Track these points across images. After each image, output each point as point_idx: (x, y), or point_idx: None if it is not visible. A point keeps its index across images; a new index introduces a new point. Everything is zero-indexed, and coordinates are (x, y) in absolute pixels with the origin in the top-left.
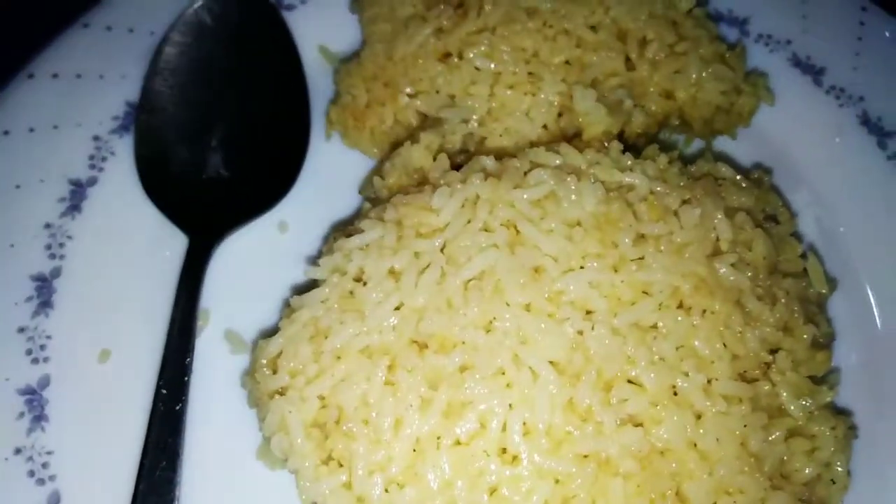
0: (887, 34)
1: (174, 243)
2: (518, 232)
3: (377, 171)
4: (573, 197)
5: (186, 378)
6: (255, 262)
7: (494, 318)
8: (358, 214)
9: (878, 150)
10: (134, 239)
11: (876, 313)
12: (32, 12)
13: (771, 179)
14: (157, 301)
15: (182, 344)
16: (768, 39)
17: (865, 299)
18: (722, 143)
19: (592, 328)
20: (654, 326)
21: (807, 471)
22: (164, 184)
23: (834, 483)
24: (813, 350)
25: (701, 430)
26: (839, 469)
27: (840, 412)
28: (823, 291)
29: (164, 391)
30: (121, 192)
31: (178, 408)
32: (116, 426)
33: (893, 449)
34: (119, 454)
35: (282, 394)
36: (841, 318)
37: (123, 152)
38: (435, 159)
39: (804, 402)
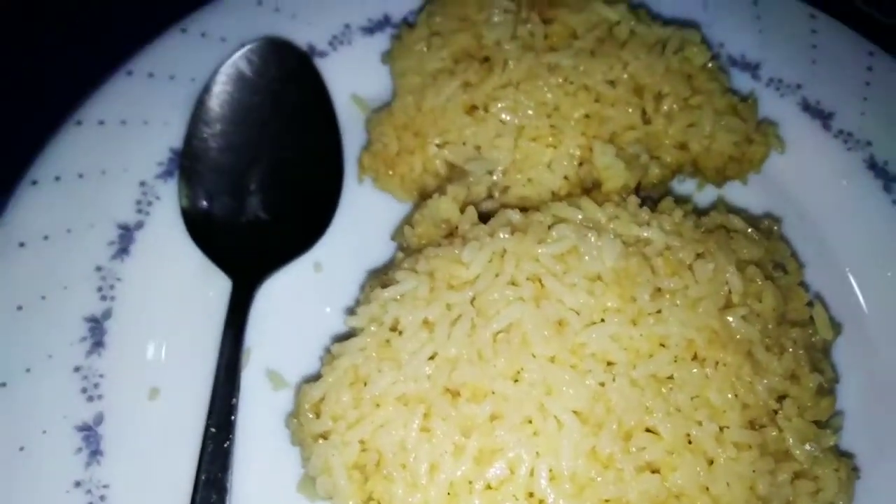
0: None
1: (218, 284)
2: (543, 286)
3: (408, 220)
4: (594, 252)
5: (233, 417)
6: (292, 303)
7: (522, 369)
8: (391, 262)
9: (884, 193)
10: (180, 280)
11: (880, 356)
12: (79, 57)
13: (780, 229)
14: (202, 341)
15: (229, 383)
16: (779, 84)
17: (868, 342)
18: (733, 189)
19: (613, 380)
20: (670, 378)
21: None
22: (207, 227)
23: None
24: (818, 397)
25: (713, 476)
26: None
27: (843, 454)
28: (828, 339)
29: (213, 429)
30: (166, 235)
31: (226, 445)
32: (167, 461)
33: (893, 489)
34: (170, 488)
35: (325, 437)
36: (844, 361)
37: (168, 197)
38: (462, 211)
39: (809, 447)
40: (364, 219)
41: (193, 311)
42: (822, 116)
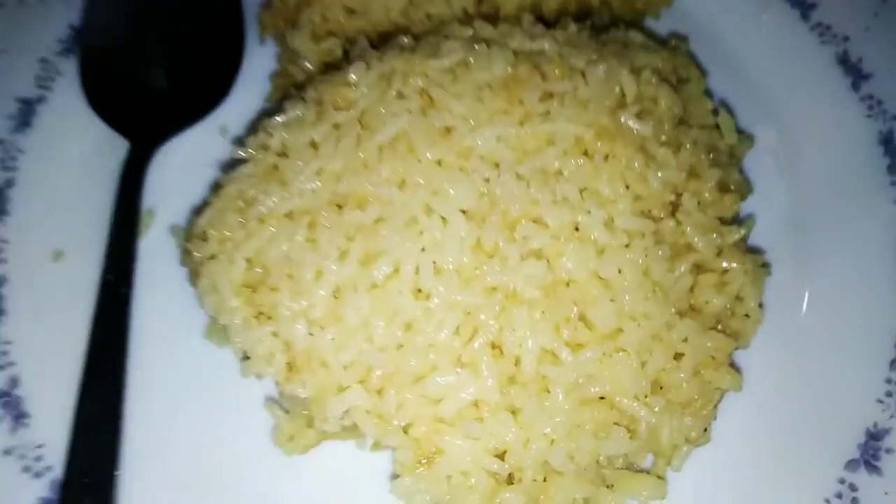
0: None
1: (121, 152)
2: (431, 98)
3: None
4: (483, 63)
5: (131, 264)
6: (199, 164)
7: (407, 175)
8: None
9: (802, 21)
10: (82, 150)
11: (800, 174)
12: None
13: (686, 46)
14: (106, 205)
15: (126, 234)
16: None
17: (788, 153)
18: None
19: (499, 176)
20: (559, 173)
21: (715, 301)
22: (107, 95)
23: (747, 317)
24: (720, 193)
25: (603, 261)
26: (751, 303)
27: (753, 251)
28: (734, 143)
29: (111, 278)
30: (68, 108)
31: (124, 290)
32: (71, 318)
33: (813, 294)
34: (73, 341)
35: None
36: (762, 175)
37: (70, 73)
38: (352, 42)
39: (710, 238)
40: (267, 79)
41: (96, 177)
42: None
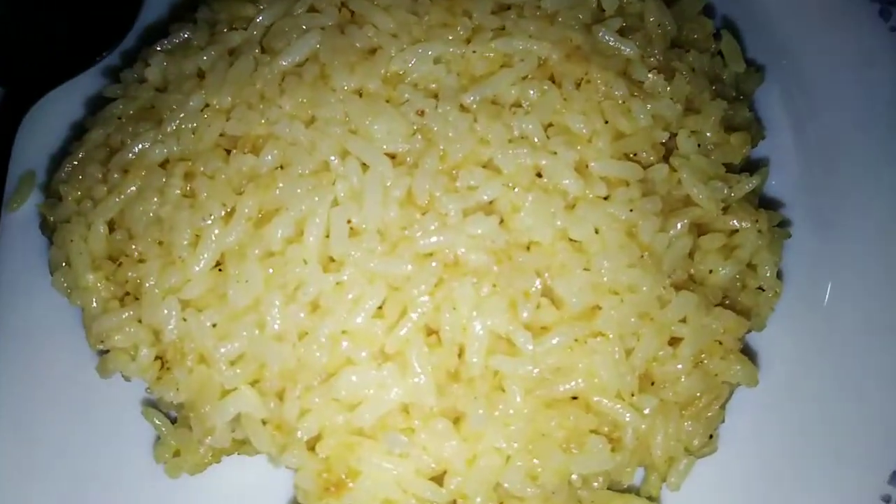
0: None
1: None
2: (352, 13)
3: None
4: None
5: None
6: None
7: (317, 108)
8: None
9: None
10: None
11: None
12: None
13: None
14: None
15: None
16: None
17: (806, 95)
18: None
19: (437, 108)
20: (516, 104)
21: (722, 271)
22: None
23: (762, 290)
24: (726, 132)
25: (574, 218)
26: (766, 272)
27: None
28: (740, 72)
29: None
30: None
31: None
32: None
33: (834, 261)
34: None
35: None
36: (775, 115)
37: None
38: None
39: (715, 188)
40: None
41: None
42: None
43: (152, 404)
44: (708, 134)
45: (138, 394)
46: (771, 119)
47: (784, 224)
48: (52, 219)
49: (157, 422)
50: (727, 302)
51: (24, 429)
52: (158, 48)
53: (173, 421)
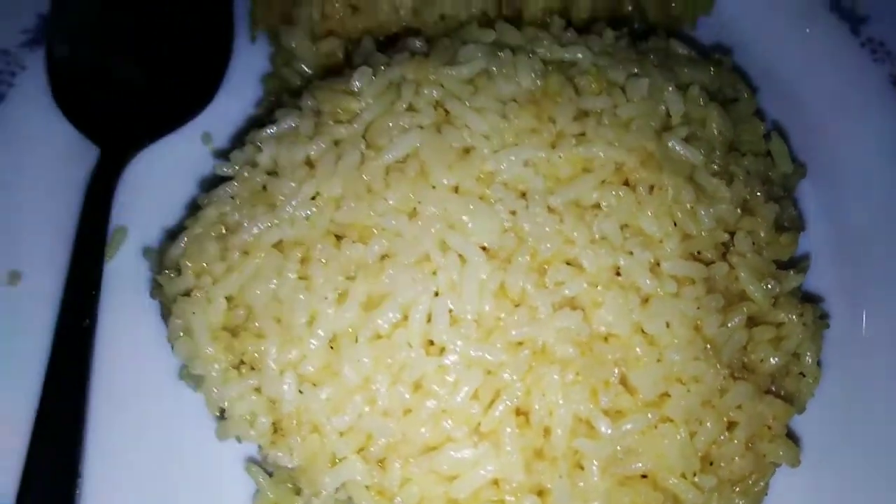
0: None
1: (90, 160)
2: (446, 111)
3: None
4: (508, 73)
5: (95, 292)
6: (178, 178)
7: (419, 203)
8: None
9: (852, 35)
10: (46, 156)
11: (851, 205)
12: None
13: (731, 60)
14: (70, 219)
15: (91, 255)
16: None
17: (838, 187)
18: None
19: (527, 208)
20: (596, 206)
21: (772, 360)
22: (77, 94)
23: (804, 376)
24: (776, 232)
25: (648, 313)
26: (808, 360)
27: (809, 300)
28: (789, 172)
29: (70, 305)
30: (31, 107)
31: (85, 323)
32: (25, 349)
33: (869, 343)
34: (27, 379)
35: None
36: (812, 209)
37: (35, 67)
38: (359, 41)
39: (767, 286)
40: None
41: (61, 190)
42: None
43: (254, 461)
44: (762, 234)
45: (240, 449)
46: (805, 210)
47: (823, 316)
48: (168, 288)
49: (260, 480)
50: (772, 388)
51: (124, 479)
52: (268, 132)
53: (269, 475)
